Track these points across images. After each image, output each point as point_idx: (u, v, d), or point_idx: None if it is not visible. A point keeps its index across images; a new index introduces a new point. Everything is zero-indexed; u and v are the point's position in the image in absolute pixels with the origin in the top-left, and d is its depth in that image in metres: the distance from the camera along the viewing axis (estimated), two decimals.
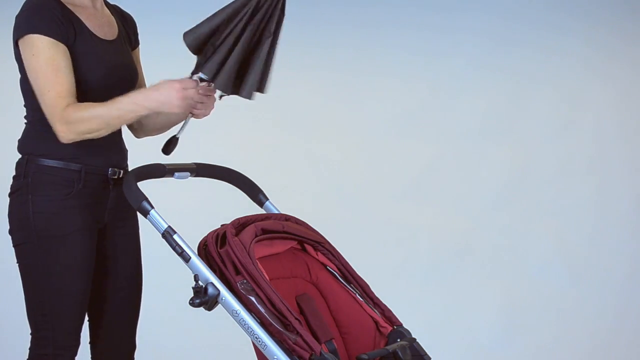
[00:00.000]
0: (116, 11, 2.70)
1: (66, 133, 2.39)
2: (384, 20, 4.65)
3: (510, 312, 4.56)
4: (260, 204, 2.72)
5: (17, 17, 2.46)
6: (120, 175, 2.58)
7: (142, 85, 2.70)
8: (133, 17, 2.76)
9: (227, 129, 4.50)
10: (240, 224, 2.49)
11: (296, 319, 2.31)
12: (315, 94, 4.62)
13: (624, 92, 4.70)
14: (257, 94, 2.51)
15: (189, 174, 2.62)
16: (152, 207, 2.37)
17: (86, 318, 2.66)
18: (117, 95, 2.44)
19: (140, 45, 2.78)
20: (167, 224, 2.37)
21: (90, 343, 2.70)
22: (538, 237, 4.62)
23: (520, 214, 4.63)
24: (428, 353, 2.50)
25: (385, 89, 4.64)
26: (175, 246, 2.35)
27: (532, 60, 4.67)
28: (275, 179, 4.13)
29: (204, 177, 2.70)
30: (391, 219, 4.58)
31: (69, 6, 2.49)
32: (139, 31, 2.77)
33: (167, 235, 2.36)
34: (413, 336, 2.53)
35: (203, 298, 2.33)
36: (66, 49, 2.43)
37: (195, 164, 2.66)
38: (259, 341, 2.30)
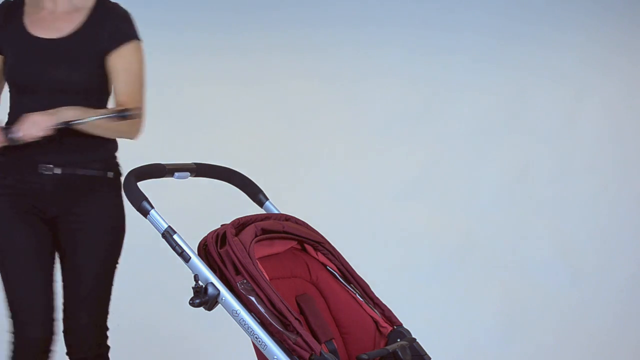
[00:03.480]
0: (102, 10, 2.67)
1: None
2: (383, 18, 4.65)
3: (510, 312, 4.56)
4: (260, 203, 2.72)
5: None
6: (57, 172, 2.60)
7: (115, 91, 2.67)
8: (123, 14, 2.70)
9: (227, 129, 4.51)
10: (240, 224, 2.49)
11: (296, 319, 2.31)
12: (315, 94, 4.62)
13: (625, 90, 4.70)
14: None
15: (189, 174, 2.63)
16: (152, 207, 2.37)
17: None
18: (31, 92, 2.54)
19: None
20: (167, 224, 2.37)
21: (63, 332, 2.73)
22: (538, 237, 4.62)
23: (520, 214, 4.63)
24: (428, 353, 2.50)
25: (385, 88, 4.64)
26: (175, 246, 2.35)
27: (532, 59, 4.67)
28: (275, 178, 4.14)
29: (204, 177, 2.70)
30: (391, 219, 4.58)
31: (26, 6, 2.54)
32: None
33: (167, 235, 2.36)
34: (413, 336, 2.53)
35: (203, 298, 2.33)
36: None
37: (195, 164, 2.66)
38: (259, 341, 2.30)
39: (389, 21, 4.65)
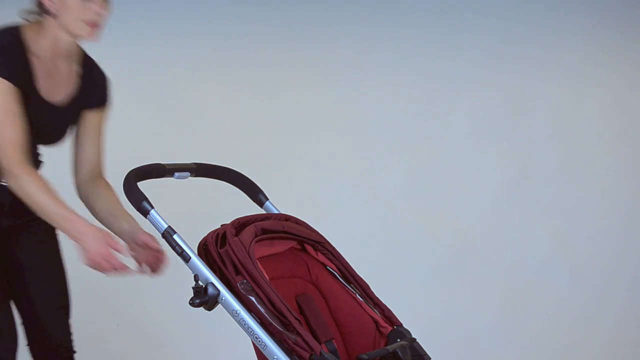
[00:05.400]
0: (89, 68, 2.67)
1: (12, 183, 2.41)
2: (383, 20, 4.65)
3: (510, 312, 4.56)
4: (260, 203, 2.72)
5: None
6: None
7: (93, 151, 2.69)
8: (106, 78, 2.73)
9: (227, 129, 4.51)
10: (240, 224, 2.49)
11: (296, 319, 2.31)
12: (315, 94, 4.62)
13: (623, 91, 4.71)
14: None
15: (189, 173, 2.62)
16: (152, 207, 2.37)
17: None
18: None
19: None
20: (167, 224, 2.37)
21: (27, 345, 2.73)
22: (538, 237, 4.62)
23: (520, 214, 4.63)
24: (428, 353, 2.50)
25: (385, 89, 4.64)
26: (175, 246, 2.35)
27: (532, 60, 4.67)
28: (275, 179, 4.14)
29: (204, 177, 2.70)
30: (391, 219, 4.58)
31: (32, 57, 2.49)
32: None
33: (167, 235, 2.36)
34: (413, 336, 2.53)
35: (203, 298, 2.33)
36: (20, 95, 2.44)
37: (195, 163, 2.66)
38: (259, 341, 2.30)
39: (389, 21, 4.65)
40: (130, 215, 2.55)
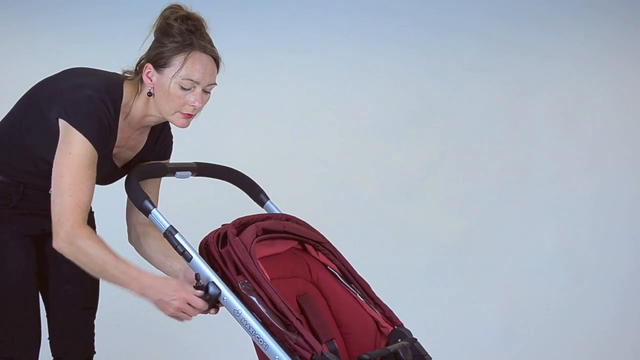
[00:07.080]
0: (159, 129, 2.65)
1: (62, 246, 2.36)
2: (384, 18, 4.65)
3: (511, 312, 4.56)
4: (261, 203, 2.72)
5: (73, 95, 2.41)
6: None
7: (151, 197, 2.61)
8: (172, 138, 2.73)
9: (228, 128, 4.51)
10: (241, 224, 2.49)
11: (297, 318, 2.31)
12: (315, 94, 4.62)
13: (623, 92, 4.71)
14: None
15: (190, 173, 2.62)
16: (154, 207, 2.37)
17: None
18: None
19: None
20: (168, 223, 2.36)
21: (48, 339, 2.73)
22: (538, 237, 4.62)
23: (520, 214, 4.63)
24: (429, 353, 2.50)
25: (386, 89, 4.64)
26: (176, 245, 2.35)
27: (532, 61, 4.68)
28: (276, 178, 4.14)
29: (205, 177, 2.70)
30: (391, 219, 4.58)
31: (120, 118, 2.47)
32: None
33: (169, 234, 2.36)
34: (414, 336, 2.53)
35: (204, 297, 2.33)
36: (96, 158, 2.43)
37: (197, 163, 2.66)
38: (260, 341, 2.29)
39: (390, 21, 4.65)
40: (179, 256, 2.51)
